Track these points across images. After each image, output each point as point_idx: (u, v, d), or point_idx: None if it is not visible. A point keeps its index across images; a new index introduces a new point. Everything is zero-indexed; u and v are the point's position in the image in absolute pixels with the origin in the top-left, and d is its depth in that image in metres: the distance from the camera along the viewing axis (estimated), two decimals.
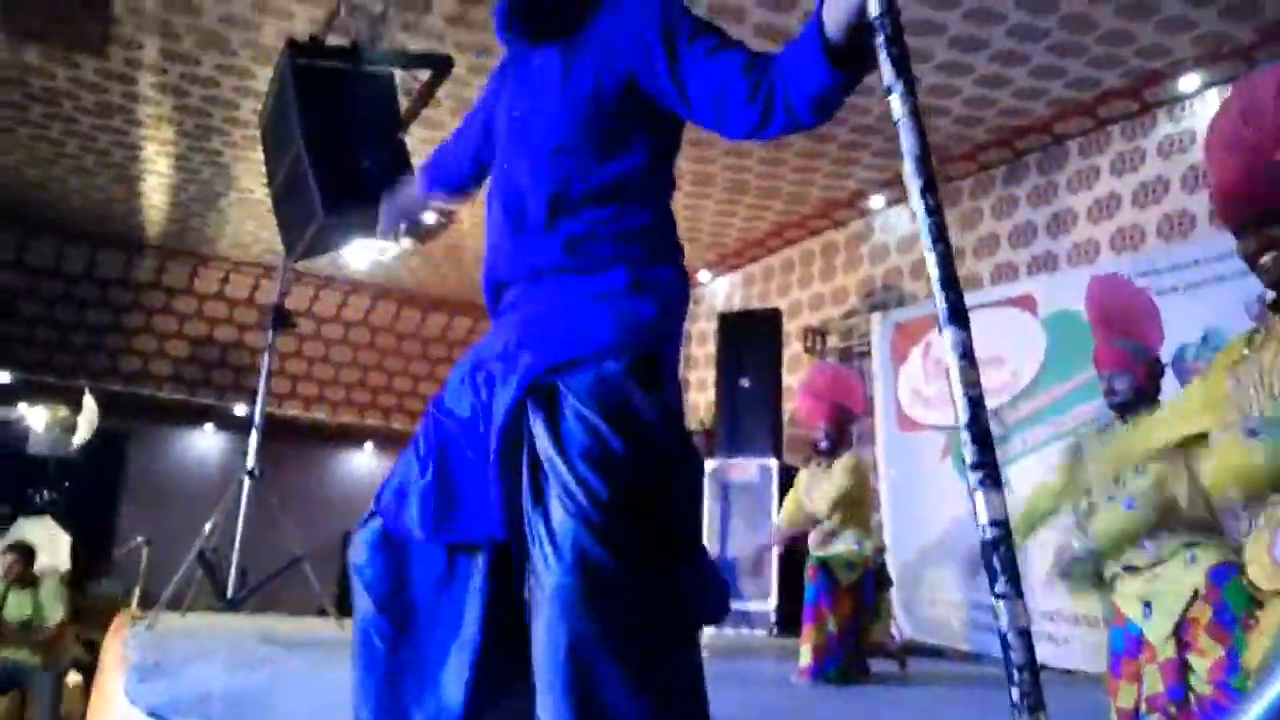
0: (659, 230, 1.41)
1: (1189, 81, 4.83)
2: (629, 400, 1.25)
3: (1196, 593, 2.62)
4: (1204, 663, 2.53)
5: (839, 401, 4.10)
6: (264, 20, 4.91)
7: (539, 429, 1.25)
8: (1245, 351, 1.82)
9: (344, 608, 3.84)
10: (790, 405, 6.80)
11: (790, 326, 7.11)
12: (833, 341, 7.03)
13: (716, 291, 8.58)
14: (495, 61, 1.67)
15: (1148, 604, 2.71)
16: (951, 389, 1.13)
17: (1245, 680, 2.46)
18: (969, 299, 4.96)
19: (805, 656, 3.71)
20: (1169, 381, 3.83)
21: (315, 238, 4.33)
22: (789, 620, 6.01)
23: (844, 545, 3.88)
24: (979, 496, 1.07)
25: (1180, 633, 2.59)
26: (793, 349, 7.05)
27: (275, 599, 5.61)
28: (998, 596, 1.04)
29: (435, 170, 1.83)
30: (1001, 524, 1.06)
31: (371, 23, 4.53)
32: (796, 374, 7.12)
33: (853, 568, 3.83)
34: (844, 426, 4.12)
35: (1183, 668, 2.56)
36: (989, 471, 1.06)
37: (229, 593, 4.58)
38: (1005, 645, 1.05)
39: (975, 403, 1.08)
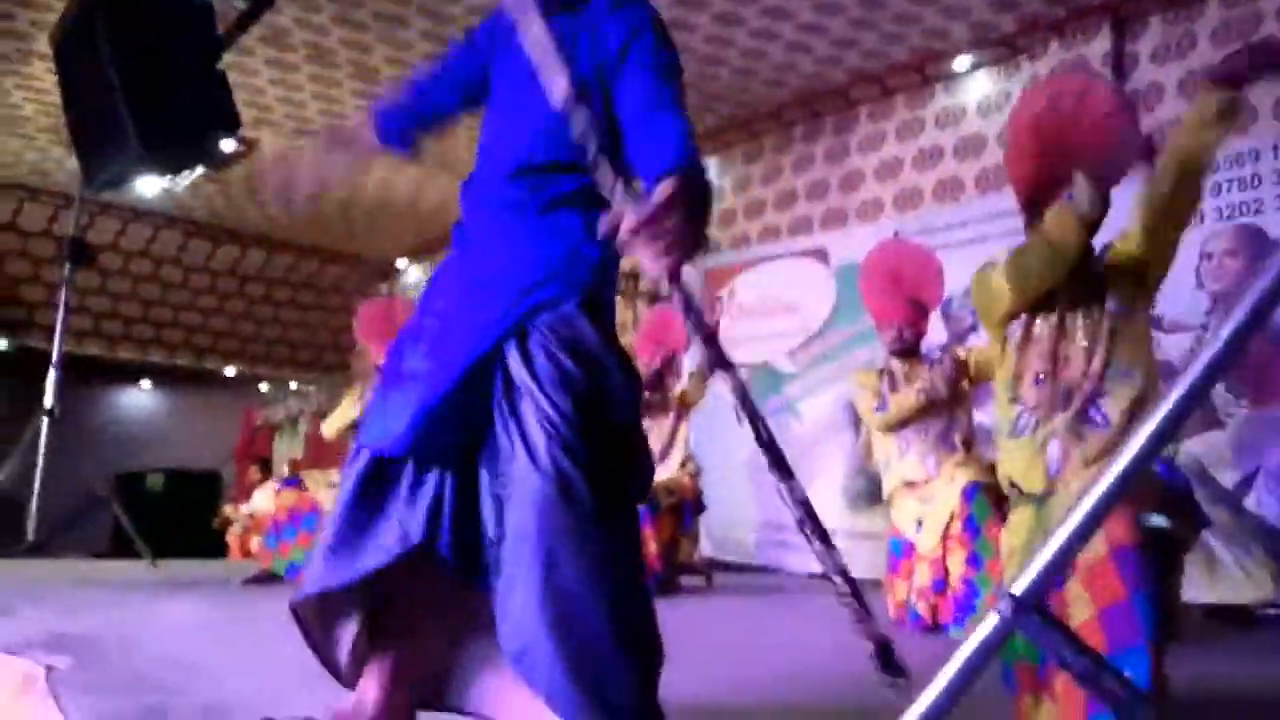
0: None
1: (962, 62, 5.44)
2: (582, 335, 1.49)
3: (953, 513, 3.18)
4: (956, 563, 3.09)
5: (666, 343, 4.45)
6: None
7: (514, 360, 1.48)
8: None
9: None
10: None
11: None
12: (644, 285, 7.38)
13: None
14: None
15: (920, 521, 3.25)
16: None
17: (985, 577, 3.05)
18: (770, 249, 5.48)
19: None
20: (935, 328, 4.44)
21: (122, 171, 4.16)
22: None
23: (667, 473, 4.26)
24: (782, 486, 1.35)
25: (944, 539, 3.13)
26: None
27: (74, 542, 5.39)
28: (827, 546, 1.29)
29: (399, 119, 1.78)
30: (804, 503, 1.33)
31: None
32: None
33: (672, 493, 4.22)
34: (670, 365, 4.48)
35: (943, 566, 3.11)
36: (783, 472, 1.34)
37: (30, 535, 4.40)
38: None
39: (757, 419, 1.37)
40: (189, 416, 12.72)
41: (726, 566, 5.66)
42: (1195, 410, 0.87)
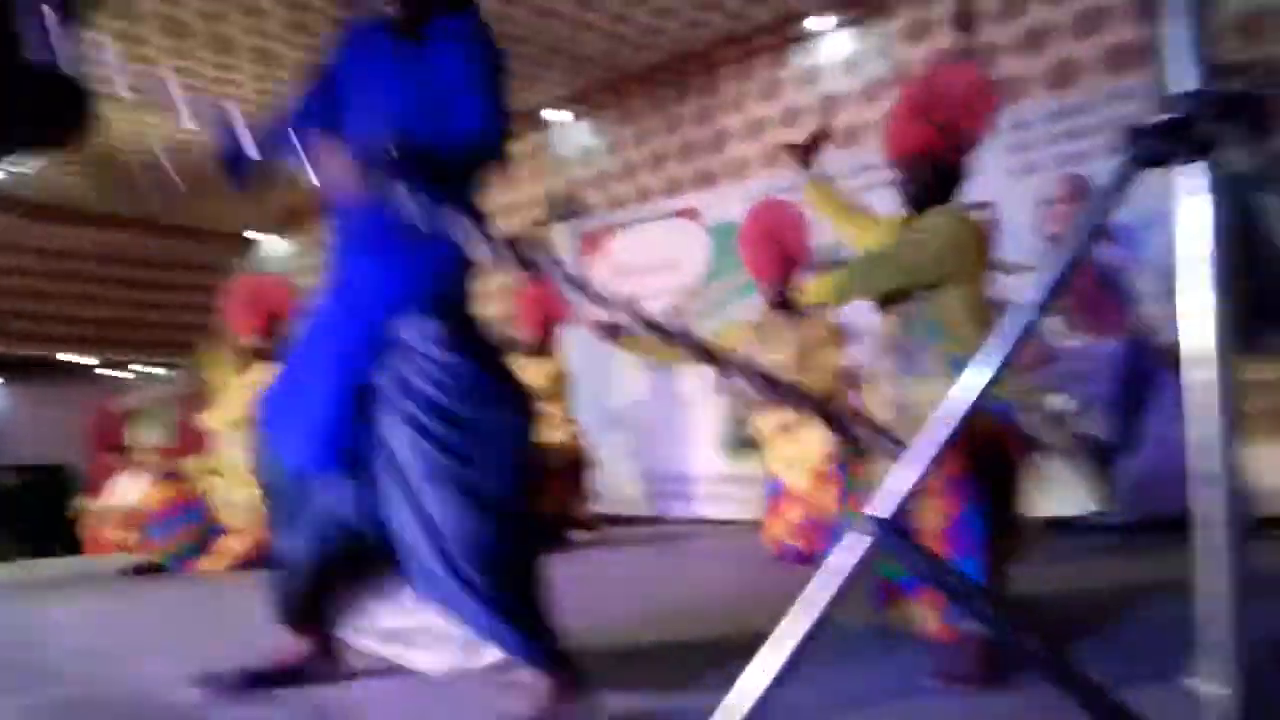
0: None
1: (816, 22, 5.68)
2: (444, 334, 1.75)
3: (824, 453, 3.44)
4: (826, 499, 3.35)
5: (547, 312, 4.56)
6: None
7: (395, 355, 1.74)
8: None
9: None
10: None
11: None
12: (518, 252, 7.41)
13: None
14: None
15: (792, 463, 3.50)
16: None
17: (852, 510, 3.32)
18: (645, 210, 5.68)
19: None
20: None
21: None
22: None
23: (556, 434, 4.40)
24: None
25: (815, 478, 3.39)
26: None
27: None
28: None
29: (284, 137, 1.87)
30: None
31: None
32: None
33: (557, 455, 4.37)
34: (550, 333, 4.60)
35: (816, 503, 3.37)
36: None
37: None
38: None
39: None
40: (34, 409, 12.05)
41: (614, 520, 5.86)
42: (1019, 351, 1.05)
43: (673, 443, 5.96)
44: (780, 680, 1.07)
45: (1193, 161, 0.86)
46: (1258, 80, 4.13)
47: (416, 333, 1.73)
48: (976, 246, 2.23)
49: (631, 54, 6.10)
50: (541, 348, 4.56)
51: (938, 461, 0.97)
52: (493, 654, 1.68)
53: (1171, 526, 1.34)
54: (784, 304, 3.83)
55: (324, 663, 1.90)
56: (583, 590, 3.23)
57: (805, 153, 2.68)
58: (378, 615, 1.86)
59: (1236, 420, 0.87)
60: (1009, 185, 4.70)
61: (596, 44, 5.92)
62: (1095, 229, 0.98)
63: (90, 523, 7.35)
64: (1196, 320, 0.89)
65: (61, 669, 2.10)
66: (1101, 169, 4.43)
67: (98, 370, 11.06)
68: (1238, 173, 0.85)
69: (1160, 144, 0.87)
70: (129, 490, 7.59)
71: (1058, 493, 4.08)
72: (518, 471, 1.73)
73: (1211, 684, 0.89)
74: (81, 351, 9.92)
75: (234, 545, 4.07)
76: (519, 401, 1.79)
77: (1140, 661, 1.68)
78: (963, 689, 1.70)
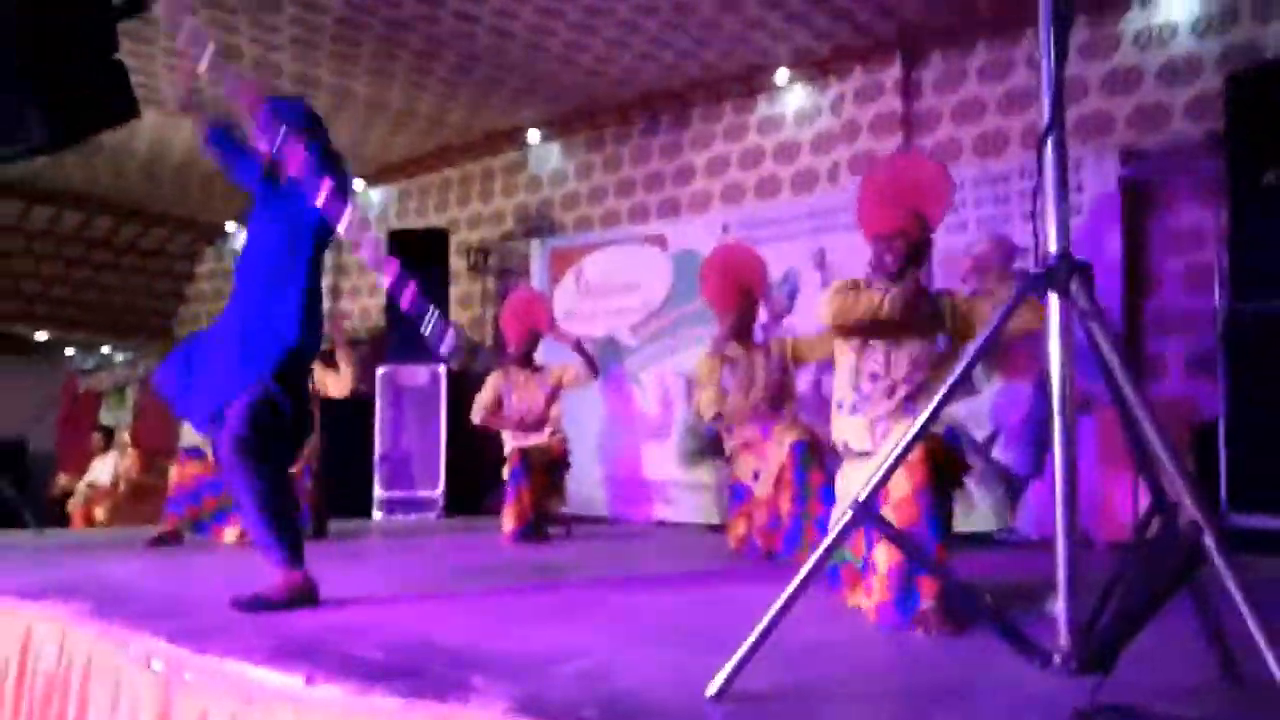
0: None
1: (782, 75, 6.30)
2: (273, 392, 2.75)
3: (783, 465, 4.01)
4: (785, 503, 3.93)
5: (529, 323, 5.06)
6: None
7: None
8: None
9: None
10: (456, 317, 7.66)
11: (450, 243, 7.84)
12: (493, 261, 7.90)
13: (372, 203, 9.01)
14: None
15: (756, 473, 4.07)
16: None
17: (807, 513, 3.90)
18: (612, 234, 6.42)
19: (508, 524, 4.73)
20: None
21: (12, 156, 4.30)
22: (454, 504, 6.97)
23: (540, 440, 4.92)
24: None
25: (776, 486, 3.96)
26: (454, 265, 7.80)
27: None
28: None
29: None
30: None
31: None
32: (460, 287, 7.92)
33: (545, 453, 4.89)
34: (534, 344, 5.12)
35: (775, 507, 3.94)
36: None
37: None
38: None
39: None
40: None
41: (580, 519, 6.37)
42: (961, 389, 1.61)
43: (632, 450, 6.50)
44: (784, 613, 1.62)
45: (1057, 294, 1.45)
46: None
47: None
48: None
49: (608, 89, 6.64)
50: (526, 359, 5.07)
51: (900, 463, 1.54)
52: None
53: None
54: (744, 334, 4.41)
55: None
56: (566, 571, 3.77)
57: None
58: None
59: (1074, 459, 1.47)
60: (941, 239, 5.36)
61: (577, 78, 6.45)
62: (999, 326, 1.57)
63: (75, 500, 7.60)
64: (1059, 384, 1.48)
65: (174, 606, 2.55)
66: (1019, 231, 5.13)
67: (56, 348, 11.14)
68: (1080, 304, 1.44)
69: (1039, 282, 1.46)
70: (106, 468, 7.87)
71: (974, 510, 4.74)
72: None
73: (1058, 607, 1.48)
74: (46, 329, 10.01)
75: None
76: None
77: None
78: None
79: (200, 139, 3.11)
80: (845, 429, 2.79)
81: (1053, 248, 1.44)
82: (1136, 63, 5.07)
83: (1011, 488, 4.89)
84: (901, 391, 2.70)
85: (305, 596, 2.69)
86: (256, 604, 2.61)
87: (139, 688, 2.14)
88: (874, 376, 2.75)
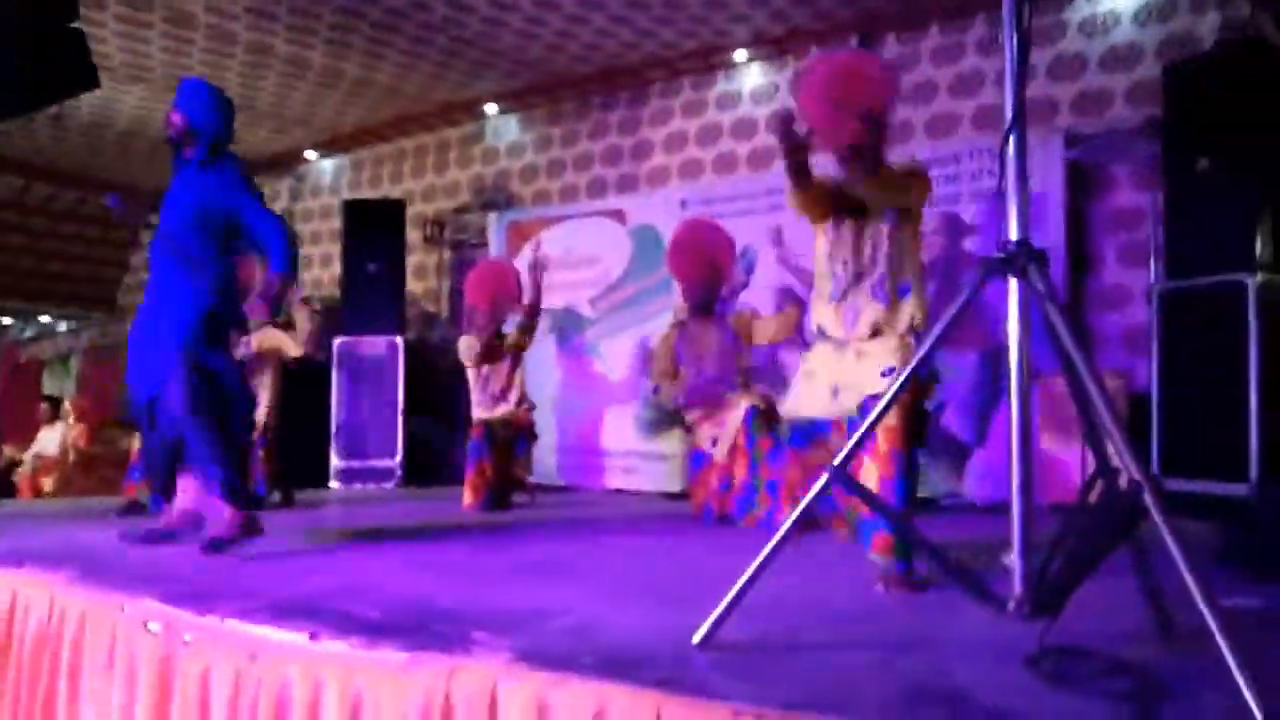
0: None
1: (740, 54, 6.41)
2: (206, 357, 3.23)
3: (738, 431, 4.17)
4: (740, 469, 4.09)
5: (498, 294, 5.13)
6: None
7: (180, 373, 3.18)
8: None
9: None
10: (411, 288, 7.67)
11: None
12: (448, 233, 7.91)
13: (324, 170, 8.93)
14: None
15: (714, 439, 4.22)
16: None
17: (758, 478, 4.07)
18: (571, 209, 6.55)
19: (467, 497, 4.83)
20: None
21: None
22: (411, 474, 7.03)
23: (506, 409, 5.00)
24: None
25: (731, 453, 4.12)
26: (410, 237, 7.79)
27: None
28: None
29: None
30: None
31: None
32: (414, 258, 7.92)
33: (508, 426, 4.98)
34: (500, 317, 5.19)
35: (730, 472, 4.11)
36: None
37: None
38: None
39: None
40: None
41: (538, 486, 6.48)
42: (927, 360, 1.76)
43: (590, 420, 6.62)
44: (764, 568, 1.76)
45: (1016, 278, 1.60)
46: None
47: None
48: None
49: (568, 63, 6.68)
50: (498, 330, 5.14)
51: (872, 430, 1.68)
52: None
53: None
54: (707, 308, 4.54)
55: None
56: (529, 534, 3.89)
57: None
58: None
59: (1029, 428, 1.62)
60: None
61: (538, 53, 6.47)
62: (964, 307, 1.71)
63: (23, 470, 7.48)
64: (1017, 360, 1.64)
65: (158, 570, 2.61)
66: (968, 210, 5.34)
67: (3, 320, 10.86)
68: (1036, 287, 1.58)
69: (1001, 266, 1.60)
70: (53, 439, 7.76)
71: (923, 476, 4.96)
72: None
73: (1015, 559, 1.64)
74: None
75: None
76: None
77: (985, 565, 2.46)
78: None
79: None
80: (820, 314, 2.95)
81: (1013, 235, 1.58)
82: (1081, 49, 5.28)
83: (959, 455, 5.12)
84: (869, 279, 2.84)
85: (253, 528, 3.15)
86: (218, 544, 3.08)
87: (137, 650, 2.21)
88: (844, 263, 2.88)
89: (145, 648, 2.19)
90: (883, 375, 2.61)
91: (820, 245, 2.99)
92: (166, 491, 3.38)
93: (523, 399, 5.13)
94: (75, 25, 4.18)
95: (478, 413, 5.09)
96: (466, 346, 5.11)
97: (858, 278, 2.85)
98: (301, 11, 5.80)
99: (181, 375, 3.13)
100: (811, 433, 2.86)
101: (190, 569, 2.78)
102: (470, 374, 5.18)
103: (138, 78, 6.75)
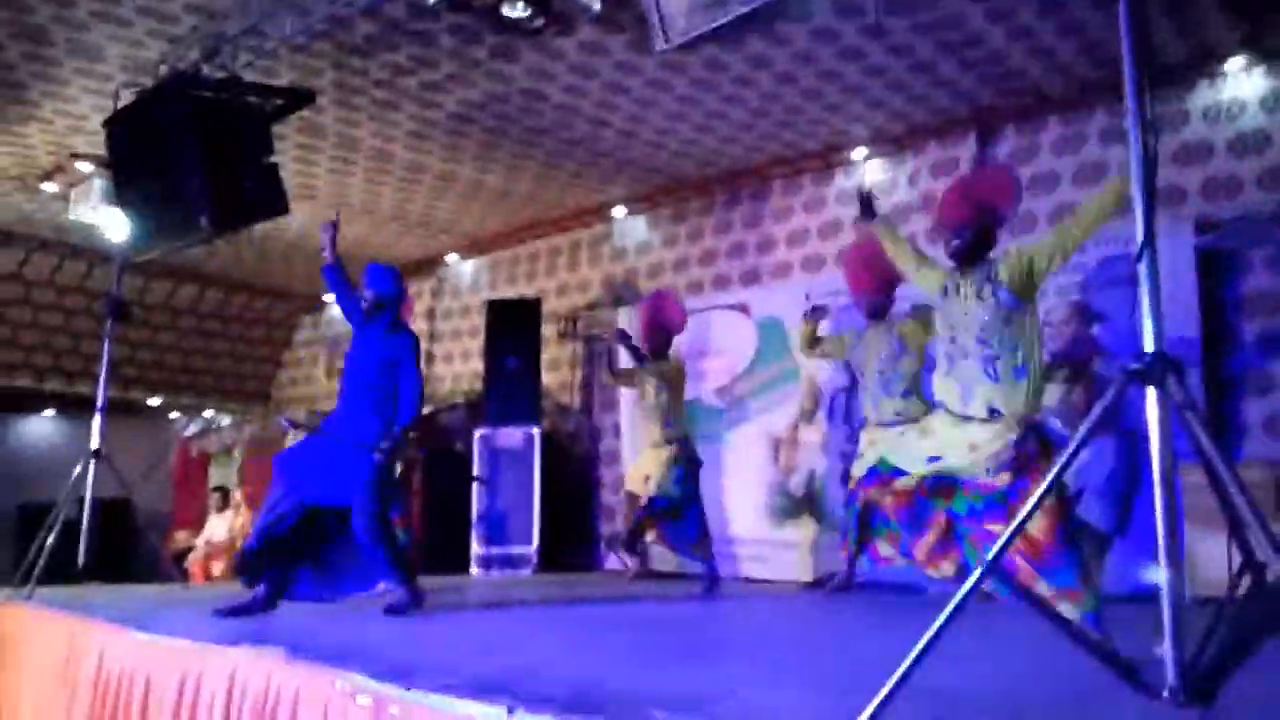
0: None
1: (859, 152, 6.66)
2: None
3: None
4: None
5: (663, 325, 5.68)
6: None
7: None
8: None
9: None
10: (546, 381, 8.08)
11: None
12: (580, 328, 8.32)
13: (464, 272, 9.54)
14: None
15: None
16: None
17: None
18: (699, 302, 6.87)
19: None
20: None
21: (179, 243, 4.84)
22: (547, 560, 7.30)
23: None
24: None
25: None
26: (544, 331, 8.23)
27: None
28: None
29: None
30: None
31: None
32: (549, 353, 8.35)
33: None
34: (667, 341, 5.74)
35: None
36: None
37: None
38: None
39: None
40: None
41: (670, 576, 6.65)
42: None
43: (718, 509, 6.78)
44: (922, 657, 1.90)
45: (1154, 386, 1.75)
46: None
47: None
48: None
49: (694, 168, 7.08)
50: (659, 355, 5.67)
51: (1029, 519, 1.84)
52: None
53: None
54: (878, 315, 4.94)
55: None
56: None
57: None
58: None
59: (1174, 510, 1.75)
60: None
61: (665, 158, 6.89)
62: (1103, 416, 1.85)
63: (195, 556, 8.13)
64: (1160, 467, 1.77)
65: (360, 648, 2.91)
66: (1096, 298, 5.36)
67: (161, 412, 11.84)
68: (1175, 398, 1.73)
69: (1139, 376, 1.76)
70: (223, 525, 8.41)
71: None
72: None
73: (1166, 648, 1.75)
74: (157, 395, 10.70)
75: None
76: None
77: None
78: None
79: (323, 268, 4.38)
80: (940, 390, 3.29)
81: (1149, 347, 1.74)
82: (1206, 135, 5.32)
83: (1098, 544, 5.05)
84: (976, 355, 3.11)
85: (420, 600, 4.07)
86: (399, 609, 4.02)
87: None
88: (953, 340, 3.22)
89: (356, 719, 2.46)
90: (988, 472, 2.83)
91: (937, 319, 3.40)
92: (261, 574, 3.98)
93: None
94: (271, 160, 4.77)
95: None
96: None
97: (964, 354, 3.17)
98: (454, 132, 6.38)
99: (372, 486, 3.99)
100: (885, 476, 3.21)
101: (382, 646, 3.08)
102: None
103: (307, 196, 7.47)
